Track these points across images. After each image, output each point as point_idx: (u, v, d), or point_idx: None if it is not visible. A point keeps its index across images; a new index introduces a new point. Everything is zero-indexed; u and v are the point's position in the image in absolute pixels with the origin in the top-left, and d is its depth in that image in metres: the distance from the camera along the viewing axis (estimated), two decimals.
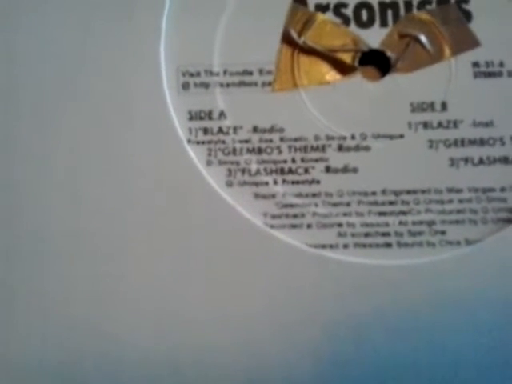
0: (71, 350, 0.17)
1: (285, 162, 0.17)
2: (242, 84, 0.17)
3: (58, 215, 0.17)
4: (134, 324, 0.17)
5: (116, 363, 0.17)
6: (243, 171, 0.17)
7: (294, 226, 0.17)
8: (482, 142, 0.17)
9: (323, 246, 0.16)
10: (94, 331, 0.17)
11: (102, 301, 0.17)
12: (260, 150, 0.17)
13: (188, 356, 0.16)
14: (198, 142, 0.17)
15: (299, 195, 0.17)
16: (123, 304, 0.17)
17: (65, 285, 0.17)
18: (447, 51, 0.17)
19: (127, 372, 0.17)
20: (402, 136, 0.17)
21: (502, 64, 0.17)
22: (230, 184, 0.17)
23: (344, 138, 0.17)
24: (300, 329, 0.16)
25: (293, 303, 0.16)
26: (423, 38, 0.17)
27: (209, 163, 0.17)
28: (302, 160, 0.17)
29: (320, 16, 0.17)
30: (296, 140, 0.17)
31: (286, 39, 0.17)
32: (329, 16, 0.17)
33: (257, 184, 0.17)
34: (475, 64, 0.17)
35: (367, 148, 0.17)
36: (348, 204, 0.17)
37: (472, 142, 0.17)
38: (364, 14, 0.17)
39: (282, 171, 0.17)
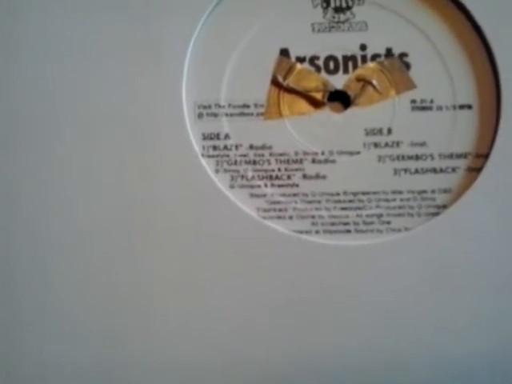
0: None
1: (273, 170, 0.22)
2: (241, 114, 0.22)
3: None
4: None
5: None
6: (242, 177, 0.22)
7: (279, 218, 0.22)
8: (417, 157, 0.22)
9: (301, 232, 0.22)
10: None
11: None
12: (255, 162, 0.22)
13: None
14: (209, 156, 0.22)
15: (283, 195, 0.22)
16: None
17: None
18: (392, 91, 0.22)
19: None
20: (358, 153, 0.22)
21: (432, 101, 0.22)
22: (232, 186, 0.22)
23: (316, 154, 0.22)
24: (285, 295, 0.21)
25: (277, 274, 0.21)
26: (375, 82, 0.22)
27: (217, 171, 0.22)
28: (286, 169, 0.22)
29: (299, 65, 0.22)
30: (281, 155, 0.22)
31: (274, 82, 0.22)
32: (305, 65, 0.22)
33: (252, 187, 0.22)
34: (413, 101, 0.22)
35: (333, 161, 0.22)
36: (319, 202, 0.22)
37: (410, 157, 0.22)
38: (331, 64, 0.22)
39: (270, 177, 0.22)
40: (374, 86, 0.22)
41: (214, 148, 0.22)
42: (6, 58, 0.22)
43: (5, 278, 0.21)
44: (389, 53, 0.22)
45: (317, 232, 0.22)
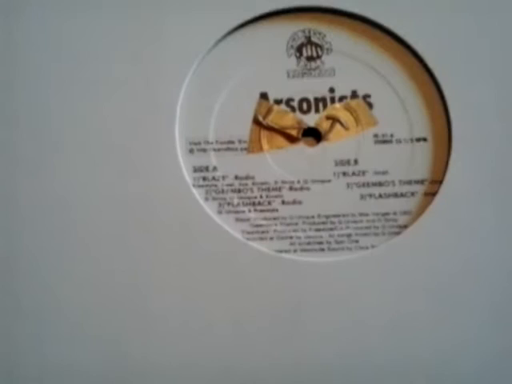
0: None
1: (255, 198, 0.24)
2: (228, 149, 0.25)
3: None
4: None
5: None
6: (228, 204, 0.24)
7: (261, 239, 0.24)
8: (380, 184, 0.24)
9: (280, 251, 0.24)
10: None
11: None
12: (239, 191, 0.24)
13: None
14: (199, 186, 0.24)
15: (265, 219, 0.24)
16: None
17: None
18: (357, 128, 0.25)
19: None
20: (329, 181, 0.25)
21: (392, 135, 0.25)
22: (220, 212, 0.24)
23: (293, 182, 0.25)
24: (268, 308, 0.23)
25: (260, 289, 0.23)
26: (342, 120, 0.25)
27: (206, 199, 0.24)
28: (266, 196, 0.24)
29: (276, 107, 0.25)
30: (262, 184, 0.24)
31: (255, 121, 0.25)
32: (282, 107, 0.25)
33: (237, 212, 0.24)
34: (375, 135, 0.25)
35: (308, 188, 0.25)
36: (296, 224, 0.24)
37: (374, 184, 0.24)
38: (304, 105, 0.25)
39: (253, 204, 0.24)
40: (341, 123, 0.25)
41: (204, 179, 0.24)
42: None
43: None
44: (354, 94, 0.25)
45: (295, 251, 0.24)
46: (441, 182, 0.24)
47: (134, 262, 0.24)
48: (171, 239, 0.24)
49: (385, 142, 0.25)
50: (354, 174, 0.25)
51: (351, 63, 0.25)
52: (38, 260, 0.23)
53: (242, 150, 0.25)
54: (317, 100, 0.25)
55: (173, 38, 0.25)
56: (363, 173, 0.25)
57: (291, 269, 0.24)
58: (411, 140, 0.25)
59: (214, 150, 0.25)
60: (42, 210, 0.24)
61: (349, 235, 0.24)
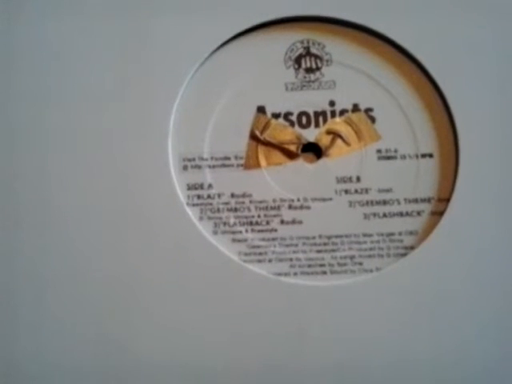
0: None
1: (253, 217, 0.24)
2: (223, 165, 0.24)
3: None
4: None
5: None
6: (224, 224, 0.23)
7: (259, 261, 0.23)
8: (384, 202, 0.24)
9: (280, 274, 0.23)
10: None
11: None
12: (236, 209, 0.24)
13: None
14: (193, 205, 0.24)
15: (263, 239, 0.23)
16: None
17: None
18: (360, 143, 0.24)
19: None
20: (331, 199, 0.24)
21: (396, 150, 0.24)
22: (215, 233, 0.23)
23: (292, 201, 0.24)
24: (266, 334, 0.22)
25: (259, 314, 0.22)
26: (343, 135, 0.24)
27: (201, 218, 0.23)
28: (265, 216, 0.24)
29: (274, 121, 0.24)
30: (260, 202, 0.24)
31: (253, 136, 0.24)
32: (280, 121, 0.24)
33: (234, 232, 0.23)
34: (378, 151, 0.24)
35: (308, 207, 0.24)
36: (296, 245, 0.23)
37: (378, 202, 0.24)
38: (304, 119, 0.24)
39: (251, 223, 0.23)
40: (342, 139, 0.24)
41: (198, 197, 0.24)
42: None
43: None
44: (355, 108, 0.24)
45: (295, 274, 0.23)
46: (448, 200, 0.23)
47: (125, 286, 0.22)
48: (164, 261, 0.23)
49: (389, 158, 0.24)
50: (356, 191, 0.24)
51: (352, 75, 0.24)
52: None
53: (238, 166, 0.24)
54: (317, 114, 0.24)
55: (165, 48, 0.24)
56: (366, 190, 0.24)
57: (291, 293, 0.23)
58: (416, 156, 0.24)
59: (209, 166, 0.24)
60: (34, 230, 0.23)
61: (352, 257, 0.23)
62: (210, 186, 0.24)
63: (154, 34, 0.24)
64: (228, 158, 0.24)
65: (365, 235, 0.23)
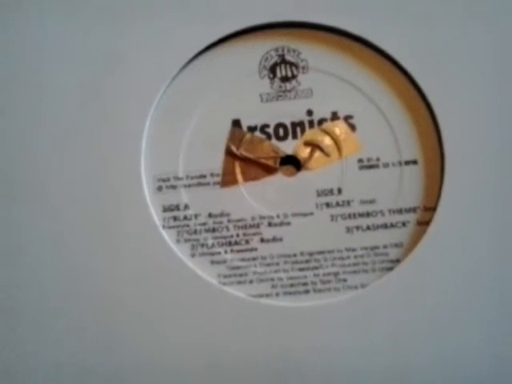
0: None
1: (231, 236, 0.23)
2: (199, 184, 0.23)
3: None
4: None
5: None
6: (202, 245, 0.23)
7: (239, 283, 0.22)
8: (368, 214, 0.23)
9: (261, 296, 0.22)
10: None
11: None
12: (214, 230, 0.23)
13: None
14: (169, 227, 0.23)
15: (242, 260, 0.23)
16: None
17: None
18: (340, 153, 0.23)
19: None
20: (312, 213, 0.23)
21: (378, 159, 0.23)
22: (193, 255, 0.23)
23: (272, 217, 0.23)
24: (248, 360, 0.21)
25: (240, 339, 0.21)
26: (322, 145, 0.23)
27: (178, 241, 0.23)
28: (244, 234, 0.23)
29: (250, 135, 0.23)
30: (238, 221, 0.23)
31: (228, 152, 0.23)
32: (257, 134, 0.23)
33: (212, 254, 0.23)
34: (360, 160, 0.23)
35: (288, 223, 0.23)
36: (277, 264, 0.22)
37: (361, 215, 0.23)
38: (281, 131, 0.23)
39: (229, 243, 0.23)
40: (322, 149, 0.23)
41: (175, 219, 0.23)
42: None
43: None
44: (334, 116, 0.23)
45: (277, 294, 0.22)
46: (434, 209, 0.22)
47: (100, 313, 0.22)
48: (139, 288, 0.22)
49: (371, 167, 0.23)
50: (338, 204, 0.23)
51: (330, 82, 0.24)
52: None
53: (214, 184, 0.23)
54: (294, 125, 0.24)
55: (134, 64, 0.23)
56: (348, 203, 0.23)
57: (274, 315, 0.22)
58: (400, 163, 0.23)
59: (185, 186, 0.23)
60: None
61: (336, 274, 0.22)
62: (186, 206, 0.23)
63: (122, 50, 0.23)
64: (204, 176, 0.23)
65: (348, 250, 0.22)
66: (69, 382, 0.21)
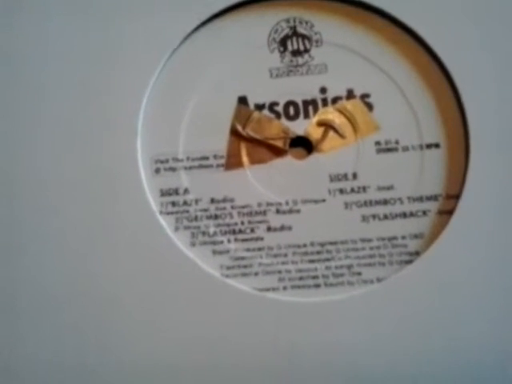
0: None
1: (235, 224, 0.21)
2: (201, 167, 0.21)
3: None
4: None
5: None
6: (203, 234, 0.21)
7: (244, 275, 0.21)
8: (385, 202, 0.21)
9: (267, 289, 0.21)
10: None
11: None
12: (216, 217, 0.21)
13: None
14: (167, 213, 0.21)
15: (247, 250, 0.21)
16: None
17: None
18: (355, 134, 0.22)
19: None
20: (324, 200, 0.21)
21: (397, 142, 0.22)
22: (193, 244, 0.21)
23: (280, 204, 0.21)
24: (254, 358, 0.20)
25: (245, 337, 0.20)
26: (337, 126, 0.22)
27: (176, 229, 0.21)
28: (249, 222, 0.21)
29: (258, 113, 0.22)
30: (243, 207, 0.21)
31: (233, 131, 0.22)
32: (265, 113, 0.22)
33: (214, 243, 0.21)
34: (377, 143, 0.22)
35: (298, 211, 0.21)
36: (285, 255, 0.21)
37: (378, 202, 0.21)
38: (291, 110, 0.22)
39: (233, 232, 0.21)
40: (336, 130, 0.22)
41: (173, 204, 0.21)
42: None
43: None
44: (350, 94, 0.22)
45: (284, 288, 0.21)
46: (458, 197, 0.21)
47: (93, 308, 0.20)
48: (136, 279, 0.20)
49: (389, 150, 0.22)
50: (352, 190, 0.21)
51: (346, 57, 0.22)
52: None
53: (218, 166, 0.22)
54: (306, 103, 0.22)
55: (130, 36, 0.22)
56: (364, 189, 0.21)
57: (281, 311, 0.20)
58: (421, 147, 0.22)
59: (185, 168, 0.22)
60: None
61: (349, 266, 0.21)
62: (186, 190, 0.21)
63: (118, 18, 0.22)
64: (206, 158, 0.21)
65: (363, 241, 0.21)
66: (69, 382, 0.20)
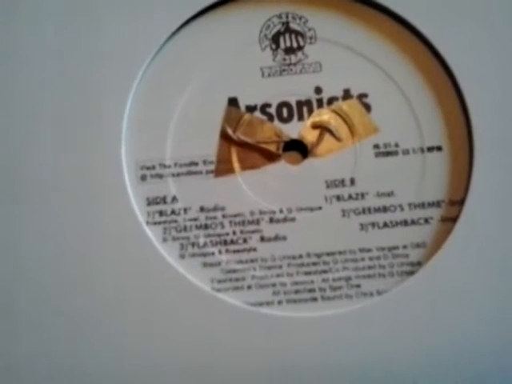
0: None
1: (227, 234, 0.20)
2: (189, 173, 0.20)
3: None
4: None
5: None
6: (193, 245, 0.20)
7: (236, 289, 0.20)
8: (385, 209, 0.20)
9: (261, 304, 0.20)
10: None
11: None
12: (206, 226, 0.20)
13: None
14: (154, 223, 0.20)
15: (240, 262, 0.20)
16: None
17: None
18: (353, 137, 0.21)
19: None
20: (320, 208, 0.20)
21: (397, 145, 0.21)
22: (182, 256, 0.20)
23: (274, 212, 0.20)
24: (244, 374, 0.19)
25: (237, 354, 0.19)
26: (333, 128, 0.21)
27: (164, 240, 0.20)
28: (241, 232, 0.20)
29: (249, 115, 0.21)
30: (235, 216, 0.20)
31: (224, 135, 0.21)
32: (257, 114, 0.21)
33: (205, 255, 0.20)
34: (376, 146, 0.21)
35: (293, 219, 0.20)
36: (280, 267, 0.20)
37: (377, 210, 0.20)
38: (284, 111, 0.21)
39: (225, 242, 0.20)
40: (332, 133, 0.21)
41: (161, 214, 0.20)
42: None
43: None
44: (347, 94, 0.21)
45: (279, 302, 0.20)
46: (462, 203, 0.20)
47: (76, 319, 0.19)
48: (121, 293, 0.19)
49: (388, 154, 0.21)
50: (350, 197, 0.20)
51: (341, 54, 0.21)
52: None
53: (207, 173, 0.21)
54: (300, 104, 0.21)
55: (114, 31, 0.21)
56: (362, 195, 0.20)
57: (275, 327, 0.19)
58: (422, 150, 0.21)
59: (173, 175, 0.21)
60: None
61: (348, 278, 0.20)
62: (174, 198, 0.20)
63: (101, 13, 0.21)
64: (195, 164, 0.21)
65: (362, 251, 0.20)
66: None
